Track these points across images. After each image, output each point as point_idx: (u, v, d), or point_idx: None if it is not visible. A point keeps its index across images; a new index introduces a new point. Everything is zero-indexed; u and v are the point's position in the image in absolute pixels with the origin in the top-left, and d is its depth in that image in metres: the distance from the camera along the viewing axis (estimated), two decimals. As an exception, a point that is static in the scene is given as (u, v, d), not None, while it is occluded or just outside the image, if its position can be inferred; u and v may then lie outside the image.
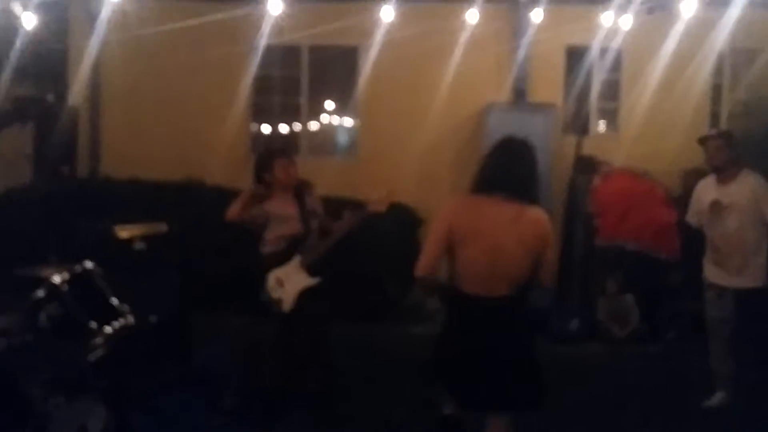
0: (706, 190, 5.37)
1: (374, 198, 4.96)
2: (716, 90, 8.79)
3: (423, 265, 3.41)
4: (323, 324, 5.07)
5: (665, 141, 8.22)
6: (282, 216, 5.00)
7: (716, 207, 5.24)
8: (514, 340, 3.44)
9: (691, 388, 5.62)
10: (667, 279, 7.36)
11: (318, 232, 5.07)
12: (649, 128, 8.39)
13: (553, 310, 7.30)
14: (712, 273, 5.37)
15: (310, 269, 4.98)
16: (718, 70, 8.75)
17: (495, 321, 3.38)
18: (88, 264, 3.71)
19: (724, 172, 5.24)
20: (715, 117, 8.76)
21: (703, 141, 5.37)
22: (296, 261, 4.96)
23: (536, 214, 3.41)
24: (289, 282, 4.94)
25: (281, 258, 4.98)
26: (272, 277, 4.94)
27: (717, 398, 5.37)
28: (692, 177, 7.80)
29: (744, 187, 5.20)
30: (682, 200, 7.65)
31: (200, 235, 7.20)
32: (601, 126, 8.97)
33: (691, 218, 5.53)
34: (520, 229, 3.36)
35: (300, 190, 5.09)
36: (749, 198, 5.17)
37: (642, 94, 8.44)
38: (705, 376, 5.52)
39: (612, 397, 5.52)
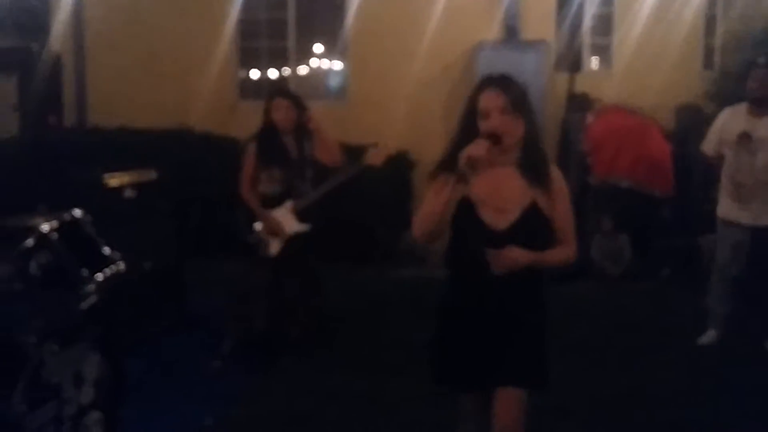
0: (735, 121, 5.13)
1: (371, 152, 5.01)
2: (710, 23, 8.67)
3: (423, 224, 2.81)
4: (311, 269, 5.09)
5: (658, 76, 8.14)
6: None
7: (745, 139, 5.03)
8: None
9: (684, 324, 5.67)
10: (660, 215, 7.37)
11: (312, 178, 5.05)
12: (641, 63, 8.31)
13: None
14: (729, 209, 5.20)
15: (301, 215, 4.97)
16: (712, 2, 8.62)
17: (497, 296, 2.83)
18: (77, 212, 3.67)
19: (763, 105, 5.03)
20: (708, 50, 8.67)
21: (750, 68, 5.15)
22: (288, 205, 4.95)
23: (557, 174, 2.85)
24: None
25: (273, 201, 4.96)
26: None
27: (710, 336, 5.37)
28: (685, 112, 7.80)
29: None
30: (675, 136, 7.65)
31: (190, 182, 7.16)
32: (594, 62, 8.87)
33: (709, 148, 5.30)
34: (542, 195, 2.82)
35: (300, 134, 5.03)
36: None
37: (634, 28, 8.33)
38: (698, 312, 5.57)
39: (606, 334, 5.55)
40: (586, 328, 5.65)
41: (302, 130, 5.02)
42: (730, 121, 5.17)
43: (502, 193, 2.77)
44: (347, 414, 4.20)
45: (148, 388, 4.35)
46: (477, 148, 2.63)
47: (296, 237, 4.97)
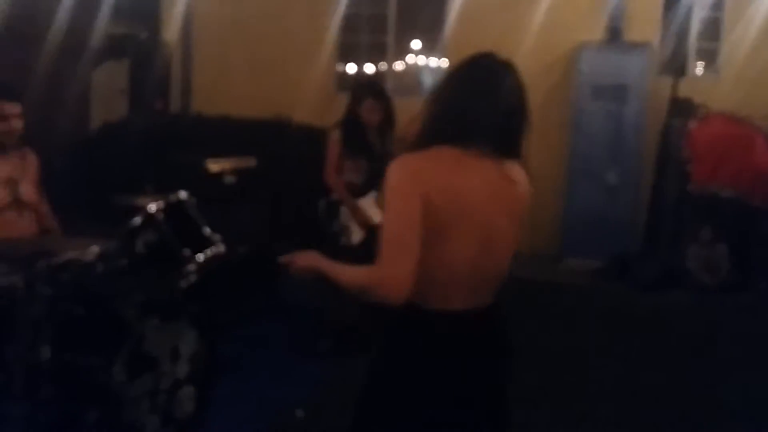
0: None
1: None
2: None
3: (401, 281, 2.00)
4: None
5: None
6: None
7: None
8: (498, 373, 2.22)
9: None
10: (760, 227, 7.11)
11: None
12: (750, 71, 7.95)
13: (637, 255, 7.16)
14: None
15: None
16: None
17: (477, 349, 2.15)
18: (183, 194, 3.81)
19: None
20: (824, 59, 8.25)
21: None
22: (371, 196, 5.01)
23: (521, 173, 2.19)
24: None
25: (358, 190, 5.02)
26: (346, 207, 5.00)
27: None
28: (796, 122, 7.46)
29: None
30: (784, 146, 7.35)
31: (287, 172, 7.31)
32: (700, 67, 8.57)
33: None
34: (511, 198, 2.15)
35: (384, 127, 5.09)
36: None
37: (745, 34, 7.98)
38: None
39: (694, 345, 5.42)
40: (672, 338, 5.54)
41: (386, 123, 5.07)
42: None
43: None
44: None
45: (239, 369, 4.49)
46: None
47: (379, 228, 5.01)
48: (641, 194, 7.87)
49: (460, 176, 2.06)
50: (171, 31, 9.32)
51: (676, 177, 7.28)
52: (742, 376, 4.89)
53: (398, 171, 2.08)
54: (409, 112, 7.08)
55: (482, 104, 2.12)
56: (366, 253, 4.97)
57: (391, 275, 2.01)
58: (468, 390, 2.12)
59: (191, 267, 3.55)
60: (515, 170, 2.16)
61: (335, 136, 5.03)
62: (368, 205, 5.01)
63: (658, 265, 7.18)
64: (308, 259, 2.22)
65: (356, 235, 5.00)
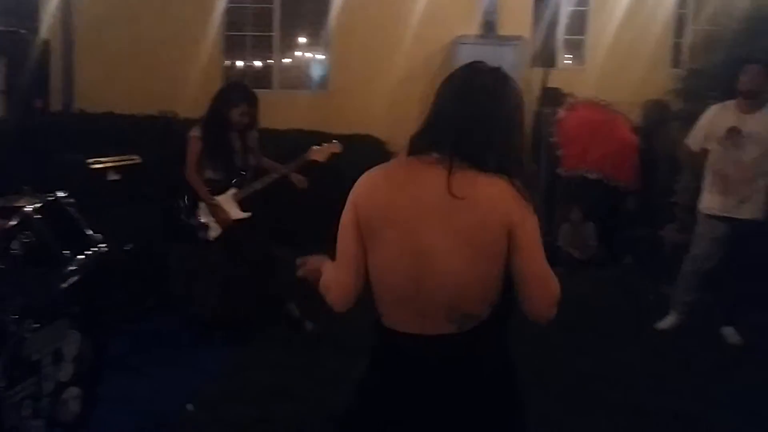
0: (723, 116, 5.23)
1: (315, 148, 5.20)
2: (680, 21, 8.87)
3: (339, 288, 2.08)
4: (263, 253, 5.21)
5: (628, 73, 8.37)
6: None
7: (734, 134, 5.14)
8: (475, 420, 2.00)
9: (643, 309, 5.94)
10: (625, 206, 7.62)
11: (255, 169, 5.24)
12: (613, 60, 8.52)
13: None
14: (713, 203, 5.27)
15: (242, 204, 5.15)
16: (682, 1, 8.81)
17: (434, 381, 2.00)
18: (60, 194, 3.82)
19: (753, 100, 5.15)
20: (677, 49, 8.87)
21: (744, 64, 5.21)
22: (231, 193, 5.14)
23: (497, 187, 1.93)
24: None
25: (218, 187, 5.13)
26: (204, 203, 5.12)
27: (669, 321, 5.59)
28: (652, 108, 8.03)
29: (767, 119, 5.14)
30: (642, 131, 7.90)
31: (175, 168, 7.31)
32: (567, 59, 9.07)
33: (694, 142, 5.37)
34: (458, 215, 1.92)
35: (246, 126, 5.19)
36: None
37: (607, 26, 8.53)
38: (658, 298, 5.81)
39: (566, 317, 5.75)
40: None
41: (249, 123, 5.17)
42: (719, 116, 5.26)
43: None
44: (320, 390, 4.34)
45: (129, 367, 4.52)
46: None
47: (240, 223, 5.13)
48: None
49: (394, 188, 2.00)
50: (50, 27, 9.10)
51: (548, 161, 7.68)
52: (607, 344, 5.24)
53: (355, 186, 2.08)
54: (295, 104, 7.27)
55: (442, 110, 2.03)
56: (223, 248, 5.14)
57: (330, 282, 2.11)
58: (406, 412, 2.02)
59: (71, 267, 3.56)
60: (491, 183, 1.93)
61: (196, 134, 5.08)
62: (227, 202, 5.13)
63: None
64: (317, 262, 2.21)
65: (214, 232, 5.12)
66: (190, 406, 4.18)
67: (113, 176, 5.78)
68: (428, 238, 1.94)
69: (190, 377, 4.55)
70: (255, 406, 4.18)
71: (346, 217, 2.06)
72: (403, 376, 2.02)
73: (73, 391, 3.54)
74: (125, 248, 5.38)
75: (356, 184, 2.08)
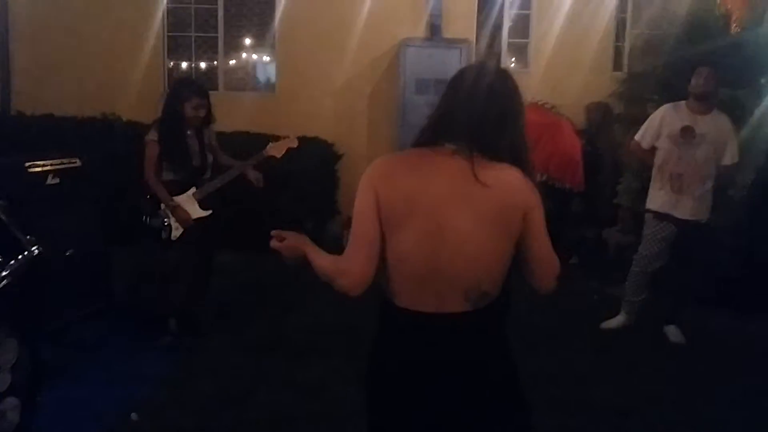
0: (675, 116, 5.30)
1: (272, 144, 5.30)
2: (620, 25, 9.04)
3: (356, 273, 2.11)
4: (211, 255, 5.34)
5: (571, 76, 8.50)
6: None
7: (688, 133, 5.21)
8: (484, 397, 2.16)
9: (588, 309, 6.04)
10: (570, 207, 7.74)
11: (213, 168, 5.26)
12: (556, 64, 8.65)
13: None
14: (662, 202, 5.32)
15: (202, 203, 5.16)
16: (622, 7, 8.99)
17: (448, 354, 2.12)
18: (-12, 197, 3.70)
19: (704, 102, 5.24)
20: (618, 53, 9.05)
21: (697, 67, 5.30)
22: (190, 192, 5.14)
23: (513, 175, 2.10)
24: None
25: (177, 187, 5.11)
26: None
27: (615, 321, 5.68)
28: (595, 110, 8.19)
29: (718, 121, 5.24)
30: (585, 133, 8.04)
31: (116, 170, 7.18)
32: (511, 62, 9.18)
33: (645, 140, 5.43)
34: (481, 199, 2.07)
35: (203, 123, 5.19)
36: (719, 134, 5.21)
37: (549, 30, 8.66)
38: (603, 298, 5.91)
39: (512, 316, 5.83)
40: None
41: (206, 120, 5.18)
42: (671, 116, 5.33)
43: None
44: (266, 396, 4.33)
45: (71, 373, 4.43)
46: None
47: (201, 221, 5.15)
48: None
49: (415, 174, 2.10)
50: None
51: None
52: (553, 344, 5.32)
53: (365, 173, 2.16)
54: (241, 106, 7.18)
55: (455, 106, 2.15)
56: (185, 247, 5.11)
57: (347, 268, 2.12)
58: (426, 391, 2.13)
59: (3, 272, 3.46)
60: (504, 171, 2.09)
61: (153, 138, 5.06)
62: (187, 202, 5.12)
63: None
64: (297, 240, 2.25)
65: (176, 232, 5.12)
66: (134, 415, 4.11)
67: (52, 180, 5.65)
68: (453, 221, 2.07)
69: (134, 384, 4.48)
70: (200, 414, 4.14)
71: (365, 201, 2.12)
72: (417, 350, 2.12)
73: (12, 401, 3.46)
74: (66, 253, 5.25)
75: (372, 170, 2.16)
